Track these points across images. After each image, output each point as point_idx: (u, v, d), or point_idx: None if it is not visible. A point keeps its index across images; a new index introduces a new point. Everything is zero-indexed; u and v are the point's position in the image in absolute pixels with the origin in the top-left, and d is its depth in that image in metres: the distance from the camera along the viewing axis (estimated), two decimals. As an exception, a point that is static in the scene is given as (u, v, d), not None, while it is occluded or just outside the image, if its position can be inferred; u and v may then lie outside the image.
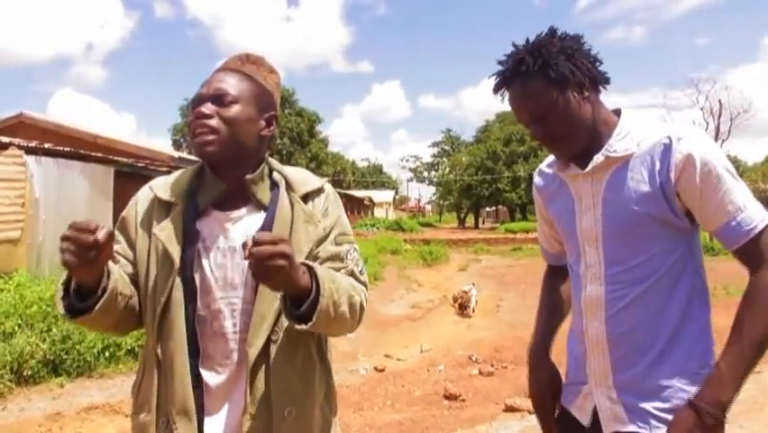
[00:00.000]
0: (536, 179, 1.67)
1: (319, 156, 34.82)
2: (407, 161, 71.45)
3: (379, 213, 52.95)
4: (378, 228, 36.06)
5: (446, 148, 67.64)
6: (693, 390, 1.33)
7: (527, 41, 1.40)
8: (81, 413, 5.10)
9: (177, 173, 1.48)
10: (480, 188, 50.24)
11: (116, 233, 1.34)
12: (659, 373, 1.37)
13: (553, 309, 1.71)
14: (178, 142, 39.29)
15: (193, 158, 18.27)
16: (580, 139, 1.41)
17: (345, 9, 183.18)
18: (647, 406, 1.37)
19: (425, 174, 69.38)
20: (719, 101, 41.74)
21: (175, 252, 1.34)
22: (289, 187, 1.45)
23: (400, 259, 20.38)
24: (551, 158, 1.61)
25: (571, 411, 1.56)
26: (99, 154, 10.31)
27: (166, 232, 1.36)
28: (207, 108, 1.35)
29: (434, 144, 68.90)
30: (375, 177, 71.54)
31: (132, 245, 1.41)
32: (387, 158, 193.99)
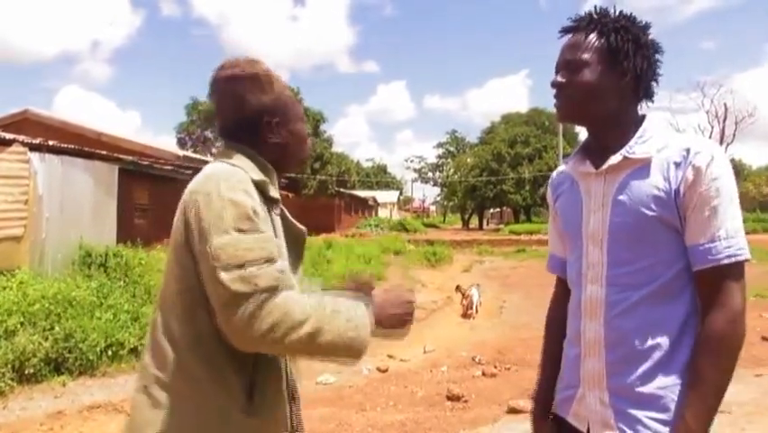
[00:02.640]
0: (553, 178, 1.68)
1: (323, 156, 34.79)
2: (412, 161, 71.58)
3: (383, 213, 52.97)
4: (382, 229, 36.06)
5: (451, 149, 67.59)
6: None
7: (623, 12, 1.44)
8: (83, 412, 5.09)
9: (246, 171, 1.36)
10: (484, 189, 50.15)
11: (260, 222, 1.27)
12: (656, 382, 1.35)
13: (558, 359, 1.64)
14: (182, 140, 39.32)
15: (199, 157, 18.28)
16: (587, 112, 1.44)
17: (351, 9, 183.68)
18: (638, 414, 1.35)
19: (430, 175, 69.47)
20: (725, 105, 41.60)
21: (303, 247, 1.50)
22: None
23: (404, 259, 20.37)
24: (566, 160, 1.61)
25: (567, 420, 1.52)
26: (104, 152, 10.32)
27: (300, 227, 1.48)
28: None
29: (439, 145, 68.87)
30: (379, 177, 71.51)
31: None
32: (391, 158, 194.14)
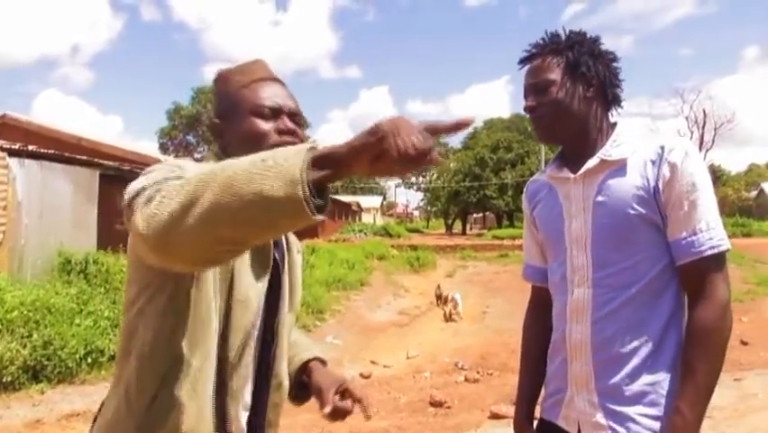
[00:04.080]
0: (529, 187, 1.70)
1: (307, 161, 34.73)
2: (395, 166, 71.34)
3: (366, 218, 52.93)
4: (365, 234, 36.02)
5: (434, 154, 67.67)
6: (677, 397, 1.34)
7: (566, 29, 1.52)
8: (62, 420, 5.02)
9: None
10: (467, 194, 50.35)
11: None
12: (643, 379, 1.37)
13: (537, 365, 1.66)
14: (164, 145, 39.04)
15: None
16: (562, 128, 1.47)
17: (333, 14, 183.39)
18: (628, 411, 1.37)
19: (413, 180, 69.57)
20: (703, 111, 42.27)
21: (270, 254, 1.29)
22: None
23: (387, 265, 20.37)
24: (543, 169, 1.65)
25: (557, 424, 1.53)
26: (84, 157, 10.20)
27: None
28: (295, 124, 1.31)
29: (422, 150, 68.85)
30: (363, 182, 71.52)
31: None
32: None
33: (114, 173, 10.62)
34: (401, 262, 21.50)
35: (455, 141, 69.99)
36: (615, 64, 1.49)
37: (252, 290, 1.24)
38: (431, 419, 5.24)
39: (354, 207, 51.76)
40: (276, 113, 1.28)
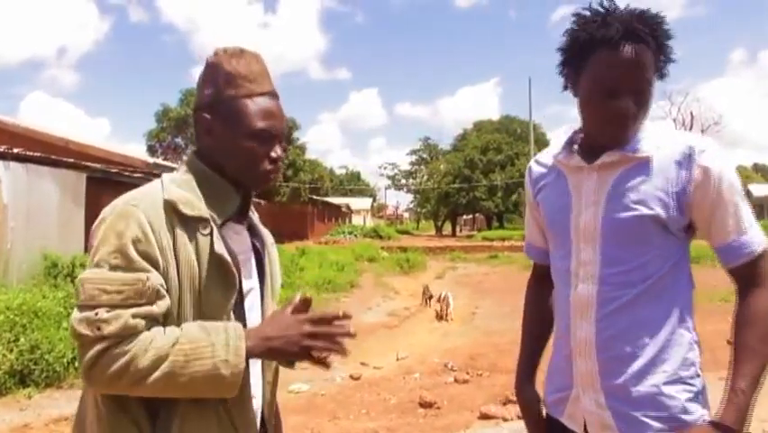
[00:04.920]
0: (533, 168, 1.60)
1: (296, 163, 34.67)
2: (385, 168, 71.73)
3: (356, 220, 52.97)
4: (355, 236, 36.04)
5: (424, 156, 67.91)
6: (686, 398, 1.33)
7: (626, 7, 1.31)
8: (50, 425, 4.98)
9: (164, 187, 1.26)
10: (457, 196, 50.51)
11: (140, 259, 1.15)
12: (651, 380, 1.34)
13: (538, 334, 1.65)
14: (153, 147, 38.82)
15: (168, 164, 18.08)
16: (637, 127, 1.36)
17: (323, 16, 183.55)
18: (637, 414, 1.34)
19: (403, 182, 69.62)
20: (691, 113, 42.65)
21: (234, 273, 1.25)
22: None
23: (377, 266, 20.40)
24: (549, 149, 1.57)
25: (562, 421, 1.50)
26: (71, 160, 10.14)
27: (219, 251, 1.23)
28: (283, 150, 1.37)
29: (413, 152, 69.15)
30: (353, 184, 71.56)
31: (164, 274, 1.19)
32: (365, 165, 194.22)
33: (102, 176, 10.56)
34: (391, 264, 21.53)
35: (445, 143, 70.14)
36: (671, 38, 1.33)
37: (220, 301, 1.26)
38: (420, 420, 5.25)
39: (344, 209, 51.77)
40: (273, 139, 1.32)
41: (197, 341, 1.14)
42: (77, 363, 5.91)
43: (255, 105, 1.29)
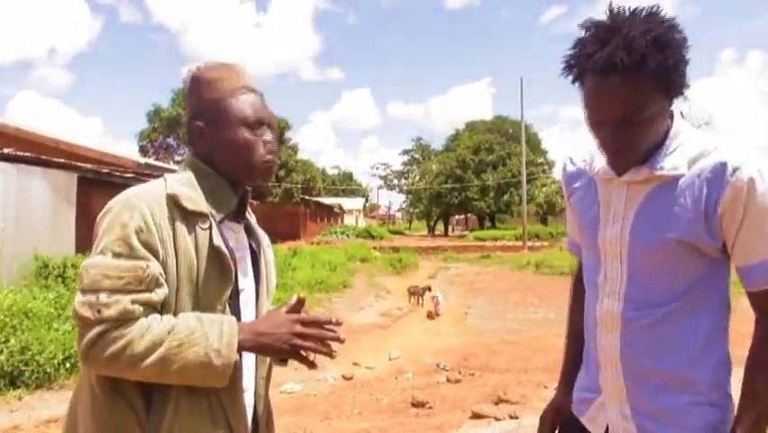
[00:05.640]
0: (567, 167, 1.55)
1: (288, 163, 34.63)
2: (378, 168, 71.72)
3: (349, 220, 52.95)
4: (348, 236, 36.02)
5: (416, 156, 67.97)
6: (713, 420, 1.30)
7: (624, 15, 1.19)
8: (40, 426, 4.96)
9: (166, 184, 1.32)
10: (449, 196, 50.58)
11: (141, 248, 1.21)
12: (678, 399, 1.31)
13: (580, 334, 1.56)
14: (144, 148, 38.65)
15: (160, 164, 18.03)
16: (645, 151, 1.27)
17: (315, 16, 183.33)
18: (662, 430, 1.32)
19: (395, 182, 69.67)
20: (681, 113, 42.79)
21: (230, 266, 1.31)
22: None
23: (370, 267, 20.40)
24: (582, 152, 1.49)
25: (581, 421, 1.49)
26: (61, 160, 10.08)
27: (217, 243, 1.29)
28: (275, 136, 1.43)
29: (405, 152, 69.25)
30: (345, 184, 71.49)
31: (163, 264, 1.25)
32: (357, 165, 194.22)
33: (93, 176, 10.51)
34: (383, 264, 21.54)
35: (437, 143, 70.20)
36: (687, 49, 1.21)
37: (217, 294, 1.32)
38: (413, 420, 5.26)
39: (336, 210, 51.72)
40: (261, 124, 1.39)
41: (192, 330, 1.20)
42: (68, 365, 5.90)
43: (238, 100, 1.38)
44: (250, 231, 1.50)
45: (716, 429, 1.30)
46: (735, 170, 1.20)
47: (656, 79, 1.17)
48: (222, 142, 1.36)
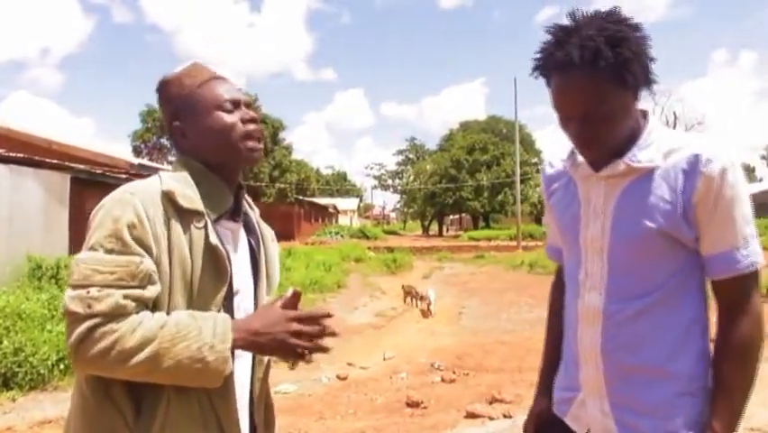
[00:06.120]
0: (546, 170, 1.59)
1: (282, 163, 34.59)
2: (372, 168, 71.77)
3: (343, 220, 52.95)
4: (342, 236, 36.01)
5: (410, 156, 68.06)
6: (692, 412, 1.31)
7: (602, 28, 1.22)
8: (34, 427, 4.95)
9: (161, 181, 1.29)
10: (443, 196, 50.61)
11: (134, 244, 1.18)
12: (657, 392, 1.32)
13: (558, 339, 1.59)
14: (138, 148, 38.55)
15: (153, 165, 17.97)
16: (616, 143, 1.31)
17: (308, 16, 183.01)
18: (641, 423, 1.33)
19: (390, 182, 69.72)
20: (674, 113, 43.11)
21: (226, 265, 1.28)
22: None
23: (364, 267, 20.41)
24: (562, 153, 1.53)
25: (565, 421, 1.50)
26: (54, 160, 10.05)
27: (213, 242, 1.27)
28: (254, 113, 1.40)
29: (399, 152, 69.34)
30: (339, 184, 71.52)
31: (157, 261, 1.22)
32: (351, 165, 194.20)
33: (86, 177, 10.48)
34: (378, 264, 21.56)
35: (431, 143, 70.24)
36: (651, 49, 1.27)
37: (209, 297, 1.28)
38: (407, 420, 5.27)
39: (331, 210, 51.71)
40: (236, 105, 1.37)
41: (185, 326, 1.17)
42: (61, 366, 5.88)
43: (205, 89, 1.36)
44: (249, 228, 1.46)
45: (695, 421, 1.31)
46: (707, 161, 1.24)
47: (613, 74, 1.21)
48: (202, 132, 1.34)
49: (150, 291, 1.18)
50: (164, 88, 1.40)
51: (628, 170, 1.32)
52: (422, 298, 12.22)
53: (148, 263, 1.18)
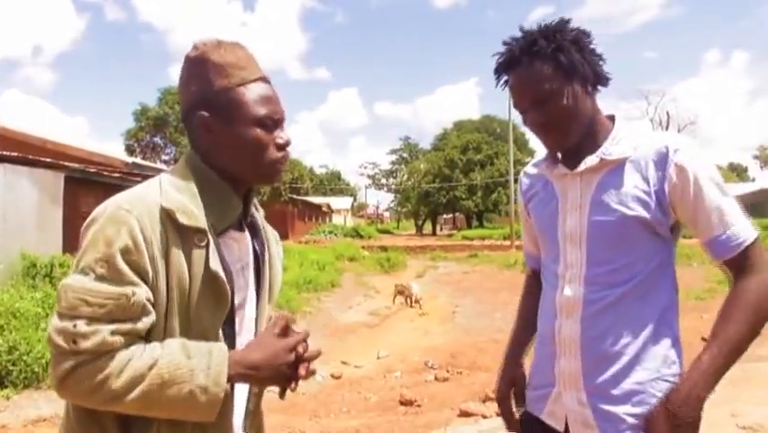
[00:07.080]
0: (522, 180, 1.67)
1: (277, 162, 34.50)
2: (366, 167, 71.70)
3: (337, 220, 52.87)
4: (336, 235, 36.01)
5: (404, 155, 68.02)
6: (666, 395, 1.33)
7: (540, 25, 1.41)
8: (28, 426, 4.96)
9: (161, 190, 1.19)
10: (437, 195, 50.66)
11: (128, 272, 1.09)
12: (632, 378, 1.36)
13: (528, 320, 1.67)
14: (131, 147, 38.42)
15: (148, 164, 17.94)
16: (575, 132, 1.41)
17: (302, 15, 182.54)
18: (617, 410, 1.36)
19: (384, 181, 69.67)
20: (667, 113, 43.33)
21: (227, 292, 1.19)
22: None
23: (358, 266, 20.44)
24: (537, 158, 1.62)
25: (541, 418, 1.52)
26: (48, 159, 10.02)
27: (214, 268, 1.17)
28: (288, 136, 1.29)
29: (393, 151, 69.26)
30: (333, 184, 71.40)
31: (153, 286, 1.13)
32: (345, 164, 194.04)
33: (80, 176, 10.46)
34: (372, 263, 21.60)
35: (425, 142, 70.30)
36: (594, 43, 1.41)
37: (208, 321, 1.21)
38: (401, 418, 5.31)
39: (325, 209, 51.64)
40: (277, 124, 1.26)
41: (177, 365, 1.09)
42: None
43: (251, 92, 1.23)
44: (255, 230, 1.37)
45: None
46: (676, 150, 1.34)
47: (551, 58, 1.36)
48: (231, 139, 1.22)
49: (144, 323, 1.10)
50: (202, 66, 1.23)
51: (602, 164, 1.40)
52: (405, 291, 12.57)
53: (141, 294, 1.09)
